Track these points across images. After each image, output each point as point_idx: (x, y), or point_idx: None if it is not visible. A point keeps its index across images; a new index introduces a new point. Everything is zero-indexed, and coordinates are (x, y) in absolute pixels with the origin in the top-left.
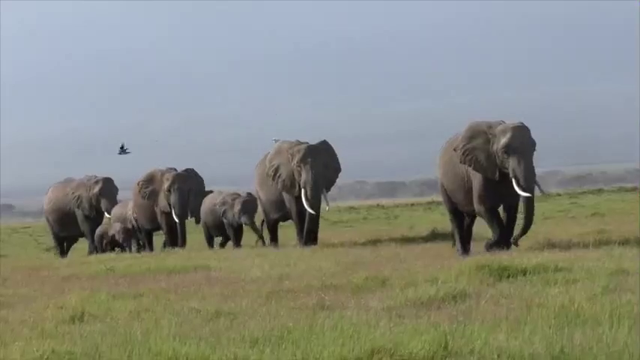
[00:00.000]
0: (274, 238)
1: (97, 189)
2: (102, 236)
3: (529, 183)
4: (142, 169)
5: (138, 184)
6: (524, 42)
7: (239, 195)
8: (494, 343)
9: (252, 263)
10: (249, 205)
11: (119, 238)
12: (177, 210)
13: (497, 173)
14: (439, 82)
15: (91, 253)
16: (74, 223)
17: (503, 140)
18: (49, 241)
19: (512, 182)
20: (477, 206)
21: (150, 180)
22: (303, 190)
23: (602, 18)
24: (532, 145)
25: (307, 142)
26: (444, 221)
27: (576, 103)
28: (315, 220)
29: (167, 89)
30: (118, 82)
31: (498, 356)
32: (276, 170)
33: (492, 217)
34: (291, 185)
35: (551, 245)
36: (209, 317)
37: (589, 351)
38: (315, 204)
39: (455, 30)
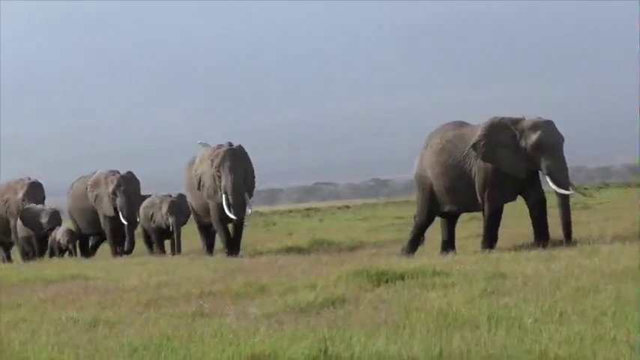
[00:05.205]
0: (208, 244)
1: (20, 193)
2: (50, 242)
3: (566, 179)
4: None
5: (87, 188)
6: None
7: (170, 196)
8: (373, 347)
9: (131, 272)
10: (177, 206)
11: (63, 241)
12: (125, 213)
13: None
14: (312, 91)
15: (24, 260)
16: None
17: (535, 136)
18: None
19: (534, 179)
20: (488, 204)
21: (96, 184)
22: (224, 196)
23: (528, 19)
24: (562, 140)
25: (226, 145)
26: (321, 228)
27: (493, 104)
28: (239, 227)
29: (39, 98)
30: None
31: None
32: (200, 179)
33: (498, 218)
34: (214, 192)
35: (429, 250)
36: (87, 326)
37: (467, 354)
38: (238, 210)
39: (336, 35)
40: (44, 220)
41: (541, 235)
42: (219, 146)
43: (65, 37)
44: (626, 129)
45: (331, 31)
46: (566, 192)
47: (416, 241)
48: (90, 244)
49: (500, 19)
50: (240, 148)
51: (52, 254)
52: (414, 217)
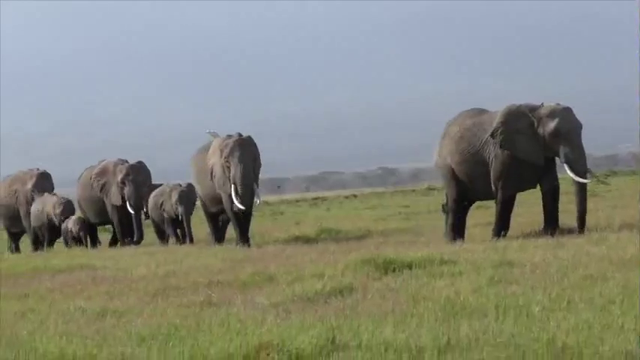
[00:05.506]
0: (217, 234)
1: (29, 184)
2: (63, 231)
3: (584, 168)
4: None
5: (91, 178)
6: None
7: (179, 185)
8: (380, 336)
9: (139, 261)
10: (186, 195)
11: (75, 230)
12: (132, 202)
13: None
14: (317, 83)
15: (34, 249)
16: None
17: (552, 124)
18: None
19: (550, 166)
20: (501, 192)
21: (103, 172)
22: (232, 186)
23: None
24: (580, 127)
25: (236, 136)
26: (329, 217)
27: (467, 99)
28: (247, 217)
29: (39, 93)
30: None
31: (385, 349)
32: (212, 170)
33: (510, 206)
34: (224, 183)
35: (437, 238)
36: (95, 316)
37: (475, 342)
38: (246, 200)
39: (335, 32)
40: (57, 210)
41: (550, 223)
42: (229, 136)
43: (65, 33)
44: (632, 118)
45: (336, 26)
46: (584, 180)
47: (454, 225)
48: (111, 236)
49: (501, 15)
50: (249, 139)
51: (66, 243)
52: (442, 206)
